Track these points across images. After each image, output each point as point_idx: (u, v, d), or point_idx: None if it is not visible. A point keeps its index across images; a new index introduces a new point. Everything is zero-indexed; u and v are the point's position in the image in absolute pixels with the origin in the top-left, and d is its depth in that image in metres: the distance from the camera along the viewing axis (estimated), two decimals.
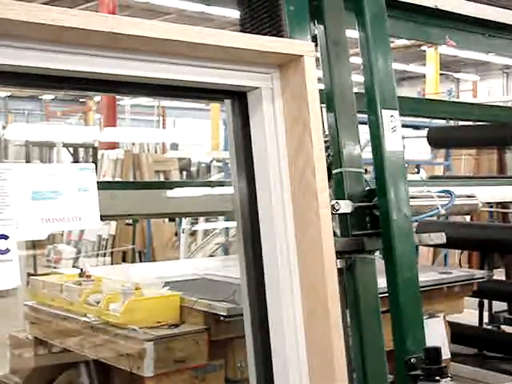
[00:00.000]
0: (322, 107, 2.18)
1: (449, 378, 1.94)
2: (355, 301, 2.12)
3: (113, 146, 13.42)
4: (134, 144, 15.56)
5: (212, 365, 3.40)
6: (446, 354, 3.95)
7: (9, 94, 22.65)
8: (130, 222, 10.74)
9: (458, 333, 4.30)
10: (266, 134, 1.77)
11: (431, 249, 8.24)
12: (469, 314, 4.94)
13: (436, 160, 11.81)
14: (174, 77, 1.68)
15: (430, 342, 3.87)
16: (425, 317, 3.90)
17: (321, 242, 1.69)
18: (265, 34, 1.92)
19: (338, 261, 2.10)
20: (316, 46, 2.23)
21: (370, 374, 2.11)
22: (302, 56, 1.74)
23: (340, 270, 2.13)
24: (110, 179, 11.71)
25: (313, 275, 1.73)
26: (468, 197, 2.48)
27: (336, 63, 2.20)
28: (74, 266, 9.81)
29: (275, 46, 1.72)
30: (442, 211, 2.26)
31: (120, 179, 11.66)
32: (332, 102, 2.19)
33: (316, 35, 2.23)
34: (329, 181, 2.15)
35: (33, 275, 7.49)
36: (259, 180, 1.78)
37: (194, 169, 15.46)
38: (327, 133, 2.19)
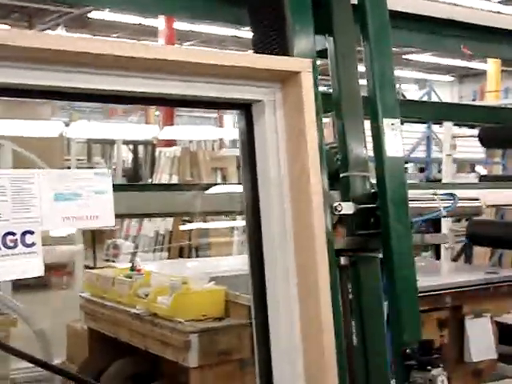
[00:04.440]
0: (332, 115, 2.37)
1: (440, 369, 2.09)
2: (358, 297, 2.28)
3: (170, 143, 13.69)
4: (191, 141, 15.86)
5: None
6: (492, 354, 4.00)
7: None
8: (187, 218, 10.97)
9: (508, 334, 4.34)
10: (267, 142, 1.97)
11: (488, 249, 8.22)
12: None
13: (494, 159, 11.73)
14: (188, 92, 1.90)
15: (475, 341, 3.93)
16: (470, 316, 3.98)
17: (314, 239, 1.88)
18: (272, 52, 2.11)
19: (342, 258, 2.29)
20: (326, 57, 2.42)
21: (372, 368, 2.27)
22: (299, 72, 1.93)
23: (344, 268, 2.31)
24: (167, 176, 12.00)
25: (308, 272, 1.92)
26: (471, 200, 2.61)
27: (344, 73, 2.37)
28: (131, 261, 10.09)
29: (275, 64, 1.91)
30: (444, 213, 2.40)
31: (177, 176, 11.92)
32: (340, 109, 2.35)
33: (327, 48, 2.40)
34: (336, 184, 2.34)
35: (92, 268, 7.80)
36: (261, 183, 1.98)
37: None
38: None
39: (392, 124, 2.29)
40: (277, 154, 1.98)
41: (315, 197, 1.89)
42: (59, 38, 1.62)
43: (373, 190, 2.34)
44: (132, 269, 4.44)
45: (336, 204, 2.21)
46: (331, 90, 2.41)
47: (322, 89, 2.20)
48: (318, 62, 2.43)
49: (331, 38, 2.38)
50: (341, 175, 2.33)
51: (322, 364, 1.86)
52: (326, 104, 2.36)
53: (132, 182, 16.65)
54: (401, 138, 2.31)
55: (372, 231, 2.30)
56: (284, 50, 2.11)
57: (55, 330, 4.89)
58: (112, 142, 16.14)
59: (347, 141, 2.32)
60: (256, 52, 2.18)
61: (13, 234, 1.62)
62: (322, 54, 2.40)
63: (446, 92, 25.45)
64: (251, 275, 2.03)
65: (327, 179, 2.17)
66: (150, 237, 11.52)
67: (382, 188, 2.27)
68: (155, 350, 3.76)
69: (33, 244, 1.64)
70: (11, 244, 1.62)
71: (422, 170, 13.82)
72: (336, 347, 1.95)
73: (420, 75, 25.74)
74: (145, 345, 3.82)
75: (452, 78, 28.15)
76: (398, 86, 17.06)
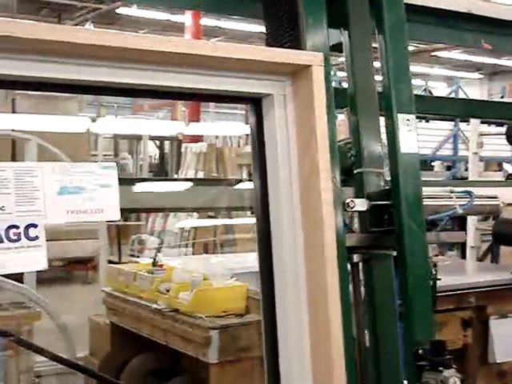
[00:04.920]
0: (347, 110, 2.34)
1: (453, 370, 2.04)
2: (371, 295, 2.25)
3: (197, 139, 13.71)
4: (217, 137, 15.88)
5: None
6: None
7: None
8: (212, 214, 10.98)
9: None
10: (277, 137, 1.94)
11: None
12: None
13: None
14: (196, 85, 1.87)
15: (500, 341, 3.88)
16: (494, 317, 3.93)
17: (323, 237, 1.84)
18: (284, 45, 2.08)
19: (355, 255, 2.25)
20: (341, 51, 2.38)
21: (384, 368, 2.23)
22: (310, 66, 1.89)
23: (357, 265, 2.27)
24: (193, 172, 12.03)
25: (315, 266, 1.88)
26: (489, 198, 2.55)
27: (359, 68, 2.33)
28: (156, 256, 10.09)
29: (285, 57, 1.87)
30: (460, 211, 2.36)
31: (202, 172, 11.94)
32: (355, 104, 2.32)
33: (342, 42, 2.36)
34: (350, 180, 2.31)
35: (116, 263, 7.85)
36: (270, 179, 1.95)
37: None
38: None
39: (407, 120, 2.25)
40: (287, 149, 1.94)
41: (325, 194, 1.85)
42: (103, 34, 1.62)
43: (387, 187, 2.31)
44: (154, 264, 4.46)
45: (348, 200, 2.17)
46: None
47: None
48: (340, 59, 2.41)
49: (346, 32, 2.35)
50: (354, 171, 2.30)
51: (330, 368, 1.83)
52: (341, 99, 2.33)
53: (158, 177, 16.74)
54: (416, 135, 2.27)
55: (385, 228, 2.26)
56: (296, 43, 2.08)
57: (79, 324, 4.93)
58: (139, 138, 16.22)
59: (361, 136, 2.29)
60: (269, 46, 2.15)
61: (16, 227, 1.61)
62: (338, 48, 2.37)
63: (476, 90, 25.15)
64: (260, 273, 2.00)
65: (340, 175, 2.14)
66: (175, 232, 11.55)
67: (395, 185, 2.23)
68: (176, 345, 3.80)
69: (36, 237, 1.63)
70: (14, 237, 1.60)
71: (449, 168, 13.73)
72: (346, 348, 1.91)
73: (449, 73, 25.47)
74: (166, 340, 3.86)
75: (481, 76, 27.80)
76: (424, 83, 16.90)
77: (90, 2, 16.40)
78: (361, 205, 2.20)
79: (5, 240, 1.59)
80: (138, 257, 9.98)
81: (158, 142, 17.94)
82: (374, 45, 2.39)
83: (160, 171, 16.95)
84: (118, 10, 16.71)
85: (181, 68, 1.81)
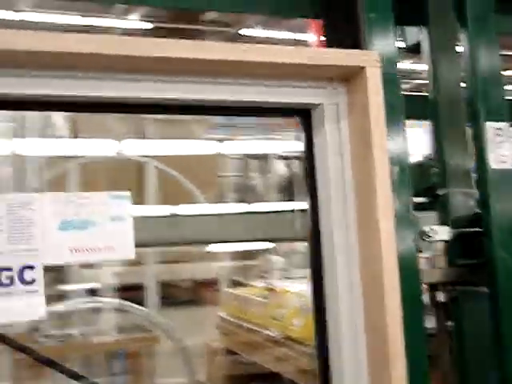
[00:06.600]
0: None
1: None
2: (460, 341, 1.86)
3: None
4: None
5: None
6: None
7: None
8: None
9: None
10: (328, 157, 1.61)
11: None
12: None
13: None
14: (233, 98, 1.59)
15: None
16: None
17: (382, 276, 1.49)
18: (340, 45, 1.76)
19: (439, 293, 1.88)
20: (420, 52, 2.03)
21: None
22: (364, 67, 1.56)
23: (443, 305, 1.89)
24: None
25: (375, 314, 1.54)
26: None
27: (442, 70, 1.96)
28: (286, 277, 9.95)
29: (333, 59, 1.56)
30: None
31: None
32: (437, 112, 1.96)
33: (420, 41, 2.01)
34: (434, 203, 1.94)
35: (243, 285, 7.75)
36: (322, 205, 1.63)
37: None
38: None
39: (497, 129, 1.83)
40: (341, 169, 1.61)
41: (384, 223, 1.50)
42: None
43: (477, 211, 1.91)
44: (267, 289, 4.32)
45: (427, 229, 1.80)
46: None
47: None
48: None
49: (426, 30, 1.98)
50: (438, 192, 1.92)
51: None
52: (423, 108, 1.98)
53: (287, 197, 16.62)
54: (510, 146, 1.85)
55: (477, 261, 1.86)
56: (354, 42, 1.75)
57: (200, 348, 4.87)
58: (268, 157, 16.16)
59: (445, 151, 1.91)
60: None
61: (9, 269, 1.39)
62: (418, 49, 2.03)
63: None
64: (313, 310, 1.69)
65: (421, 197, 1.79)
66: (303, 252, 11.33)
67: (485, 208, 1.82)
68: (289, 374, 3.65)
69: (33, 281, 1.41)
70: (7, 281, 1.39)
71: None
72: None
73: None
74: (280, 369, 3.72)
75: None
76: None
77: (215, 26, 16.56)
78: (443, 233, 1.82)
79: None
80: (265, 277, 9.87)
81: (287, 162, 17.83)
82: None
83: (288, 191, 16.79)
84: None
85: (211, 78, 1.54)
